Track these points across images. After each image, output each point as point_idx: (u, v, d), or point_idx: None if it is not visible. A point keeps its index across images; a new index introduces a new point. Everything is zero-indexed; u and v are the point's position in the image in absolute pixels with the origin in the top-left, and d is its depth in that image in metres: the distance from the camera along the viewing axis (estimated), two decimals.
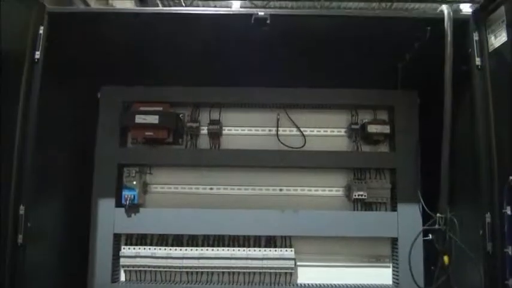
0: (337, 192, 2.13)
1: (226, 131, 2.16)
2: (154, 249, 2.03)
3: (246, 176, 2.13)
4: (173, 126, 2.02)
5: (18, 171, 1.62)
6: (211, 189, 2.13)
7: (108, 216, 2.02)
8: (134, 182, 2.01)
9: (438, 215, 1.61)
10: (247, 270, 2.02)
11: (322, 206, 2.10)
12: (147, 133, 2.03)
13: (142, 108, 2.03)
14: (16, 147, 1.61)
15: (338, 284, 2.03)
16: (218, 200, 2.11)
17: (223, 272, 2.04)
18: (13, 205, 1.60)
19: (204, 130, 2.14)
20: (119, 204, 2.03)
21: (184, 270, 2.03)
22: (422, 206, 1.88)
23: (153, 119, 2.00)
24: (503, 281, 1.52)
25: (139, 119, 2.01)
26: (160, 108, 2.04)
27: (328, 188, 2.13)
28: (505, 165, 1.56)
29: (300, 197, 2.13)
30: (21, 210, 1.62)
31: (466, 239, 1.63)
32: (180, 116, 2.11)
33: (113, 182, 2.03)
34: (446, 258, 1.58)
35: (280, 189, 2.13)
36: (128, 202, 1.99)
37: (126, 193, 2.00)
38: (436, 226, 1.61)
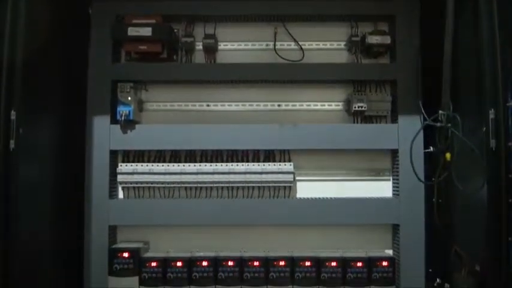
0: (337, 106, 2.09)
1: (222, 46, 2.10)
2: (152, 165, 1.99)
3: (243, 92, 2.09)
4: (167, 38, 1.96)
5: (8, 77, 1.57)
6: (208, 106, 2.09)
7: (104, 133, 1.98)
8: (129, 98, 1.97)
9: (440, 111, 1.57)
10: (246, 185, 2.00)
11: (321, 121, 2.05)
12: (140, 47, 1.96)
13: (135, 21, 1.97)
14: (5, 59, 1.57)
15: (338, 198, 1.99)
16: (215, 116, 2.07)
17: (222, 187, 2.01)
18: (4, 109, 1.55)
19: (199, 46, 2.06)
20: (114, 121, 1.98)
21: (182, 185, 2.00)
22: (424, 117, 1.83)
23: (146, 32, 1.94)
24: (507, 174, 1.49)
25: (132, 31, 1.94)
26: (154, 21, 1.96)
27: (328, 103, 2.09)
28: (508, 59, 1.51)
29: (299, 112, 2.09)
30: (13, 115, 1.58)
31: (468, 137, 1.59)
32: (175, 31, 2.03)
33: (107, 98, 1.99)
34: (448, 155, 1.55)
35: (279, 105, 2.09)
36: (122, 118, 1.94)
37: (121, 109, 1.96)
38: (438, 124, 1.57)
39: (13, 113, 1.57)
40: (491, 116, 1.54)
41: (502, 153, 1.52)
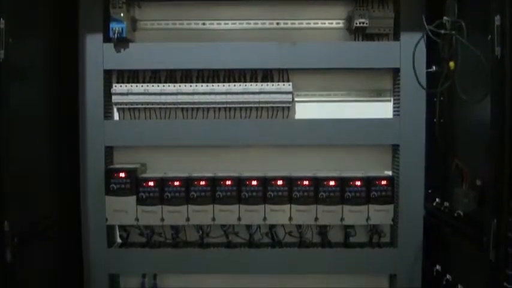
0: (338, 24, 2.01)
1: None
2: (147, 86, 1.94)
3: (241, 9, 2.02)
4: None
5: None
6: (203, 24, 2.01)
7: (97, 52, 1.93)
8: (121, 14, 1.89)
9: (445, 18, 1.50)
10: (244, 106, 1.95)
11: (321, 40, 1.98)
12: None
13: None
14: None
15: (337, 119, 1.95)
16: (212, 35, 2.00)
17: (219, 108, 1.97)
18: None
19: None
20: (107, 39, 1.91)
21: (179, 106, 1.96)
22: (427, 35, 1.75)
23: None
24: None
25: None
26: None
27: (328, 21, 2.02)
28: None
29: (298, 30, 2.02)
30: (1, 24, 1.50)
31: (473, 45, 1.53)
32: None
33: (99, 15, 1.91)
34: (451, 64, 1.49)
35: (277, 23, 2.01)
36: (116, 35, 1.88)
37: (113, 26, 1.89)
38: (442, 31, 1.50)
39: (2, 21, 1.49)
40: (497, 22, 1.47)
41: (506, 60, 1.46)
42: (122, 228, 1.97)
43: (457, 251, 1.77)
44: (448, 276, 1.77)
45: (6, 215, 1.49)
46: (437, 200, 1.89)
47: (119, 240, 2.03)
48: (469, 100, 1.52)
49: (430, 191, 1.95)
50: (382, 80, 2.01)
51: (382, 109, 2.01)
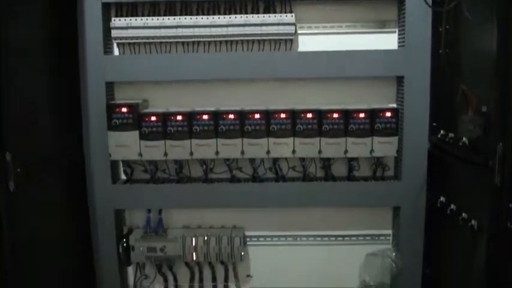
0: None
1: None
2: (146, 19, 1.90)
3: None
4: None
5: None
6: None
7: None
8: None
9: None
10: (246, 38, 1.91)
11: None
12: None
13: None
14: None
15: (340, 51, 1.91)
16: None
17: (220, 42, 1.93)
18: None
19: None
20: None
21: (179, 40, 1.92)
22: None
23: None
24: None
25: None
26: None
27: None
28: None
29: None
30: None
31: None
32: None
33: None
34: None
35: None
36: None
37: None
38: None
39: None
40: None
41: None
42: (126, 163, 1.97)
43: (462, 180, 1.77)
44: (452, 206, 1.77)
45: (7, 145, 1.48)
46: (441, 132, 1.87)
47: (123, 177, 2.02)
48: (474, 20, 1.47)
49: (434, 123, 1.92)
50: (387, 11, 1.96)
51: (387, 40, 1.96)
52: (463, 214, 1.68)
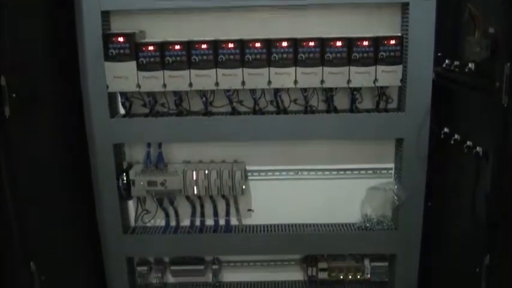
0: None
1: None
2: None
3: None
4: None
5: None
6: None
7: None
8: None
9: None
10: None
11: None
12: None
13: None
14: None
15: None
16: None
17: None
18: None
19: None
20: None
21: None
22: None
23: None
24: None
25: None
26: None
27: None
28: None
29: None
30: None
31: None
32: None
33: None
34: None
35: None
36: None
37: None
38: None
39: None
40: None
41: None
42: (124, 96, 1.93)
43: (467, 108, 1.75)
44: (456, 136, 1.75)
45: (1, 69, 1.44)
46: (447, 61, 1.82)
47: (121, 111, 1.98)
48: None
49: (439, 54, 1.87)
50: None
51: None
52: (468, 142, 1.66)
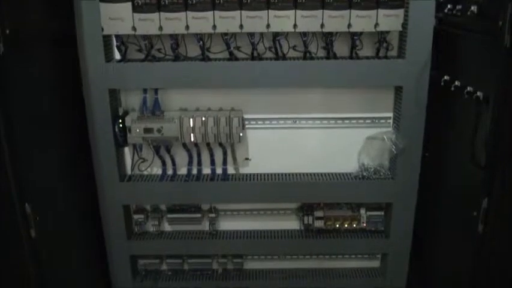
0: None
1: None
2: None
3: None
4: None
5: None
6: None
7: None
8: None
9: None
10: None
11: None
12: None
13: None
14: None
15: None
16: None
17: None
18: None
19: None
20: None
21: None
22: None
23: None
24: None
25: None
26: None
27: None
28: None
29: None
30: None
31: None
32: None
33: None
34: None
35: None
36: None
37: None
38: None
39: None
40: None
41: None
42: (119, 39, 1.89)
43: (469, 53, 1.73)
44: (456, 83, 1.73)
45: None
46: (449, 6, 1.78)
47: (117, 57, 1.94)
48: None
49: None
50: None
51: None
52: (468, 88, 1.64)
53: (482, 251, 1.60)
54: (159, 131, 1.94)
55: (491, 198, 1.54)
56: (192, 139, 1.94)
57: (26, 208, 1.60)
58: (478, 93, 1.59)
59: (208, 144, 2.01)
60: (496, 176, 1.52)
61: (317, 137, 2.05)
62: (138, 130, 1.94)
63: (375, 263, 2.27)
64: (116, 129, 1.93)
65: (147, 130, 1.94)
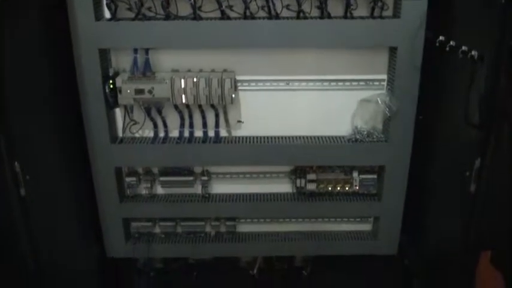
0: None
1: None
2: None
3: None
4: None
5: None
6: None
7: None
8: None
9: None
10: None
11: None
12: None
13: None
14: None
15: None
16: None
17: None
18: None
19: None
20: None
21: None
22: None
23: None
24: None
25: None
26: None
27: None
28: None
29: None
30: None
31: None
32: None
33: None
34: None
35: None
36: None
37: None
38: None
39: None
40: None
41: None
42: None
43: (463, 12, 1.72)
44: (451, 43, 1.70)
45: None
46: None
47: (107, 16, 1.90)
48: None
49: None
50: None
51: None
52: (463, 47, 1.62)
53: (474, 211, 1.60)
54: (150, 92, 1.91)
55: (484, 158, 1.53)
56: (184, 100, 1.92)
57: (15, 166, 1.58)
58: (473, 52, 1.58)
59: (200, 106, 1.99)
60: (490, 135, 1.51)
61: (310, 99, 2.04)
62: (129, 91, 1.92)
63: (367, 226, 2.28)
64: (107, 90, 1.90)
65: (138, 91, 1.92)
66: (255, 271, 2.35)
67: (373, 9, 1.88)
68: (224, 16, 1.87)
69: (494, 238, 1.60)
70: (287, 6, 1.88)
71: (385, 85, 2.02)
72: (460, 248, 1.70)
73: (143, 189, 2.16)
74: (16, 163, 1.59)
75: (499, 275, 1.53)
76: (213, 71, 1.99)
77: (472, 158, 1.59)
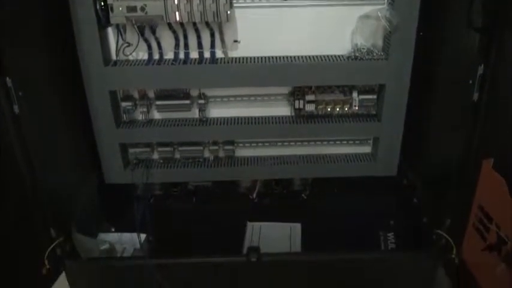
0: None
1: None
2: None
3: None
4: None
5: None
6: None
7: None
8: None
9: None
10: None
11: None
12: None
13: None
14: None
15: None
16: None
17: None
18: None
19: None
20: None
21: None
22: None
23: None
24: None
25: None
26: None
27: None
28: None
29: None
30: None
31: None
32: None
33: None
34: None
35: None
36: None
37: None
38: None
39: None
40: None
41: None
42: None
43: None
44: None
45: None
46: None
47: None
48: None
49: None
50: None
51: None
52: None
53: (477, 121, 1.58)
54: (142, 9, 1.84)
55: (487, 63, 1.49)
56: (178, 18, 1.85)
57: (6, 82, 1.53)
58: None
59: (194, 24, 1.92)
60: (494, 39, 1.47)
61: (308, 16, 1.97)
62: (120, 8, 1.85)
63: (367, 149, 2.26)
64: (98, 7, 1.83)
65: (130, 8, 1.85)
66: (254, 195, 2.35)
67: None
68: None
69: (497, 145, 1.58)
70: None
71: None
72: (462, 159, 1.69)
73: (139, 114, 2.13)
74: (8, 78, 1.54)
75: (503, 181, 1.52)
76: None
77: (476, 66, 1.55)
